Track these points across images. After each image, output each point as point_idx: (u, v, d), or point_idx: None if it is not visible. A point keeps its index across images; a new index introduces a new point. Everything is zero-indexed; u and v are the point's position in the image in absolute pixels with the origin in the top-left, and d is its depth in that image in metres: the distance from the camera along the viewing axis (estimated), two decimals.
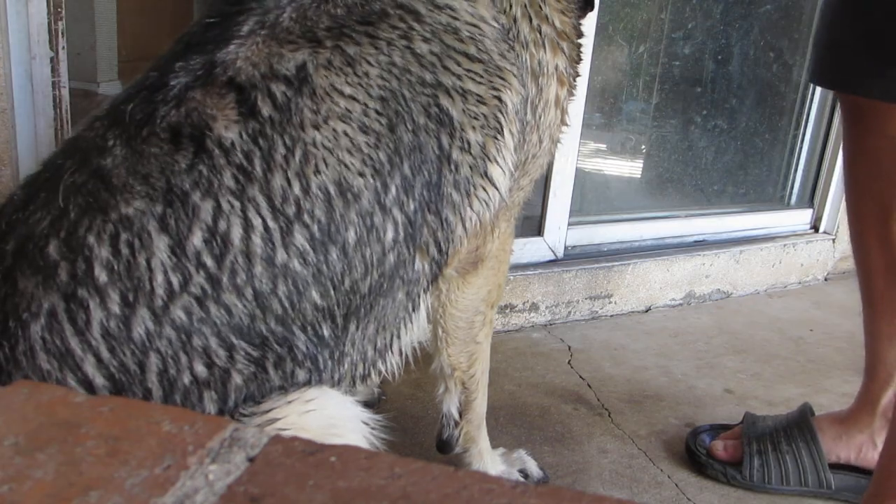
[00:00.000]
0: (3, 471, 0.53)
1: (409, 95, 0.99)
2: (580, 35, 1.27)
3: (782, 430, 1.59)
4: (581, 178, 2.46)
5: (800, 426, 1.58)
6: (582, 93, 2.26)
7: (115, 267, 0.82)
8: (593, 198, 2.65)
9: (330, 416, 0.92)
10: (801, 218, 3.03)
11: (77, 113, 1.56)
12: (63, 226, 0.84)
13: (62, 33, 1.56)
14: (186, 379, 0.85)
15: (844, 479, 1.53)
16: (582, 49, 1.29)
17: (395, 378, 1.15)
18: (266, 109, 0.90)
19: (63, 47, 1.57)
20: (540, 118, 1.21)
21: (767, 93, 2.99)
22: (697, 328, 2.42)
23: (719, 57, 2.83)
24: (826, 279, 3.01)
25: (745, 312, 2.60)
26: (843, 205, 2.94)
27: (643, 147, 2.88)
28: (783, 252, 2.84)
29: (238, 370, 0.87)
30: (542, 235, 2.34)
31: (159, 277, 0.83)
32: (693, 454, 1.63)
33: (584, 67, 2.22)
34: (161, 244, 0.84)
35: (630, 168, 2.89)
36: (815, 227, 3.03)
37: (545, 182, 2.30)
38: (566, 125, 1.29)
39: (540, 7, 1.18)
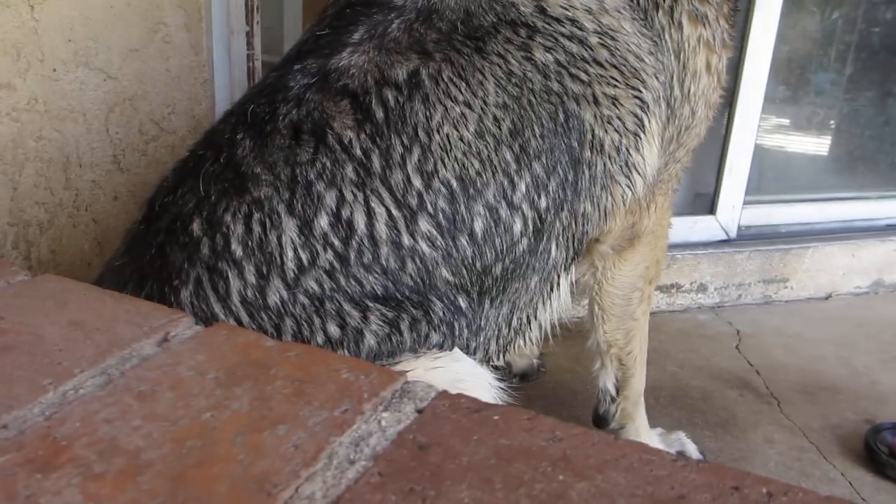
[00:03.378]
0: (206, 399, 0.60)
1: (535, 102, 1.02)
2: None
3: None
4: (760, 154, 2.33)
5: None
6: (765, 65, 2.13)
7: (249, 243, 0.91)
8: (773, 176, 2.50)
9: (457, 371, 0.96)
10: None
11: None
12: (205, 207, 0.93)
13: (257, 8, 1.67)
14: (320, 339, 0.91)
15: None
16: (735, 3, 1.25)
17: (533, 351, 1.12)
18: (380, 113, 0.96)
19: (258, 22, 1.68)
20: (689, 90, 1.19)
21: None
22: (885, 319, 2.24)
23: None
24: None
25: None
26: None
27: (832, 122, 2.67)
28: None
29: (372, 331, 0.93)
30: (715, 214, 2.25)
31: (290, 253, 0.91)
32: (873, 452, 1.53)
33: (769, 37, 2.10)
34: (290, 224, 0.92)
35: (816, 144, 2.69)
36: None
37: (720, 158, 2.20)
38: (723, 87, 1.26)
39: None
